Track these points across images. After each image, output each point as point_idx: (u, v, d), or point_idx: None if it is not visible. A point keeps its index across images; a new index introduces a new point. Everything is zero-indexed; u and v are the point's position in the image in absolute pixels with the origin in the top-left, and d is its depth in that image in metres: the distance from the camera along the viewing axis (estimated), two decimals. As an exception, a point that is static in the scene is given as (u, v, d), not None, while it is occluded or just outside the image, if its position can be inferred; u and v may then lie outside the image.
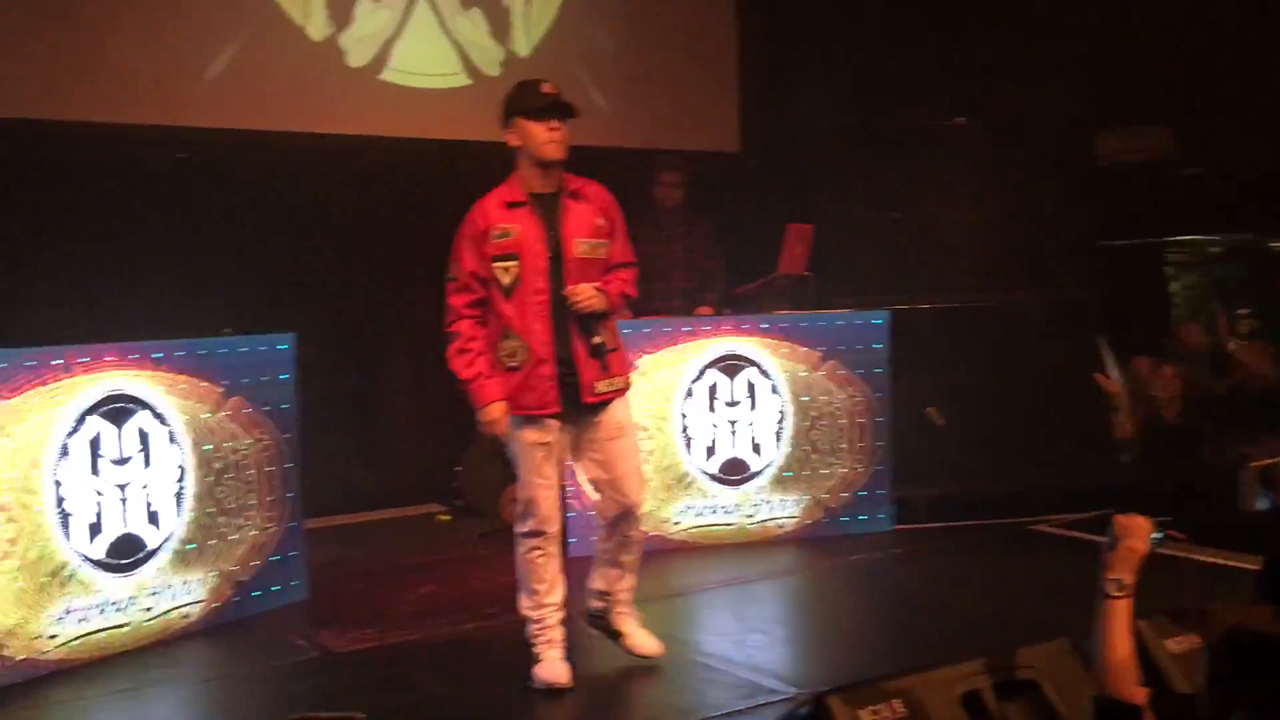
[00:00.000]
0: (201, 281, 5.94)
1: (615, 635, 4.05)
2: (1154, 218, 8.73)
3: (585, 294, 3.69)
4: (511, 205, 3.73)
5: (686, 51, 7.41)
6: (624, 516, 3.88)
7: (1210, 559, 4.90)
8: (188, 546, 4.44)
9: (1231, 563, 4.79)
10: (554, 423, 3.74)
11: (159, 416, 4.33)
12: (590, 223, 3.78)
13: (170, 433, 4.37)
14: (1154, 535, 2.55)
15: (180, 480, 4.41)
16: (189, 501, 4.44)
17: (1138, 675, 2.42)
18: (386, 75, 6.53)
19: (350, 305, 6.92)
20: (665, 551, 5.52)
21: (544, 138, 3.67)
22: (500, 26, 6.87)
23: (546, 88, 3.74)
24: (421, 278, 7.04)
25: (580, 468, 3.91)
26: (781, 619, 4.83)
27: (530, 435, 3.73)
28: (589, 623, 4.10)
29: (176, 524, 4.40)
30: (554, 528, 3.83)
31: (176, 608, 4.41)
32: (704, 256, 6.29)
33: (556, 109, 3.70)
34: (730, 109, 7.56)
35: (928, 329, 6.58)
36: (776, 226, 6.31)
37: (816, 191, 7.14)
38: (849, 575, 5.40)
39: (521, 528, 3.83)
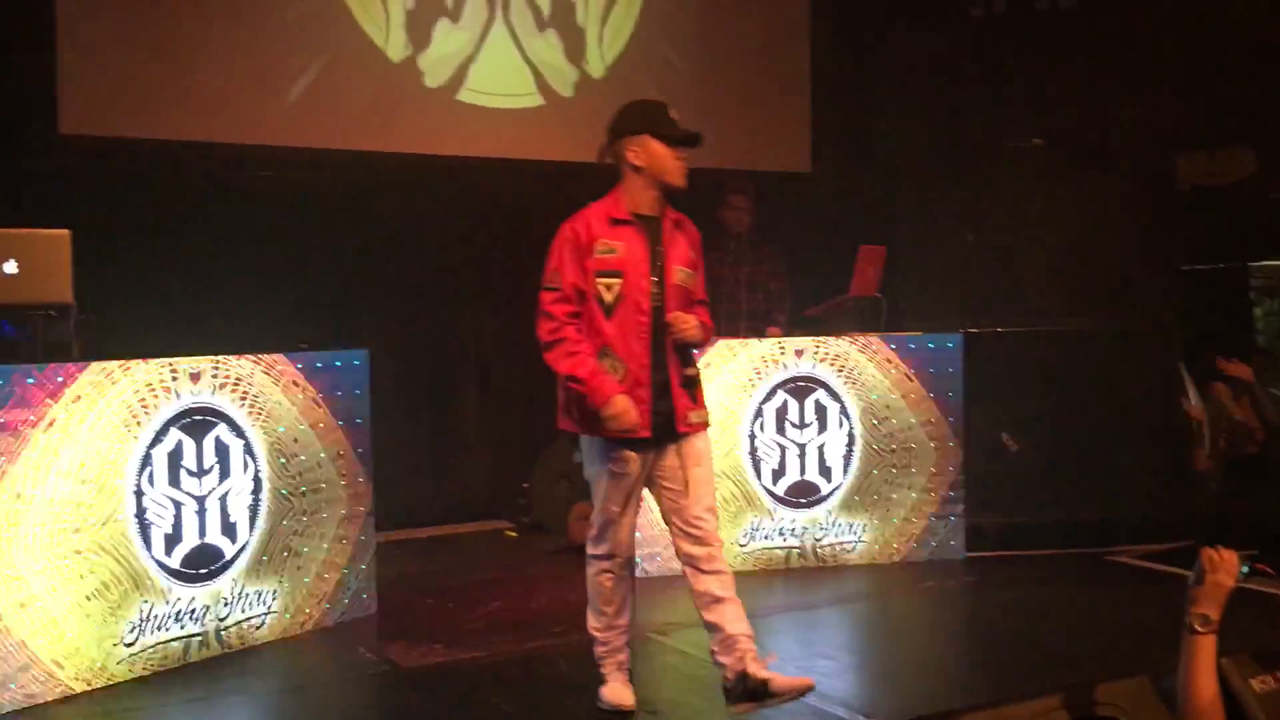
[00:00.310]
0: (279, 296, 6.06)
1: (762, 690, 3.53)
2: (1237, 241, 8.52)
3: (690, 323, 3.63)
4: (616, 222, 3.65)
5: (759, 72, 7.41)
6: (705, 557, 3.70)
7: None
8: (262, 558, 4.51)
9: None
10: (637, 449, 3.64)
11: (237, 429, 4.41)
12: (687, 253, 3.73)
13: (247, 445, 4.45)
14: (1241, 569, 2.49)
15: (256, 493, 4.49)
16: (264, 514, 4.51)
17: (1223, 715, 2.36)
18: (463, 95, 6.62)
19: (423, 321, 7.01)
20: (735, 573, 5.47)
21: (675, 164, 3.63)
22: (575, 48, 6.93)
23: (675, 115, 3.69)
24: (493, 295, 7.16)
25: (656, 498, 3.80)
26: (849, 646, 4.77)
27: (614, 464, 3.64)
28: (729, 700, 3.64)
29: (252, 536, 4.47)
30: (627, 554, 3.79)
31: (249, 618, 4.48)
32: (770, 278, 6.29)
33: (689, 141, 3.65)
34: (803, 130, 7.54)
35: (1003, 353, 6.48)
36: (848, 248, 6.26)
37: (889, 213, 7.09)
38: (919, 603, 5.32)
39: (594, 550, 3.79)
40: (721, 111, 7.29)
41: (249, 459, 4.46)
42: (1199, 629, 2.48)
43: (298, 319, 5.90)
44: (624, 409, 3.54)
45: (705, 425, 3.76)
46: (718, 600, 3.69)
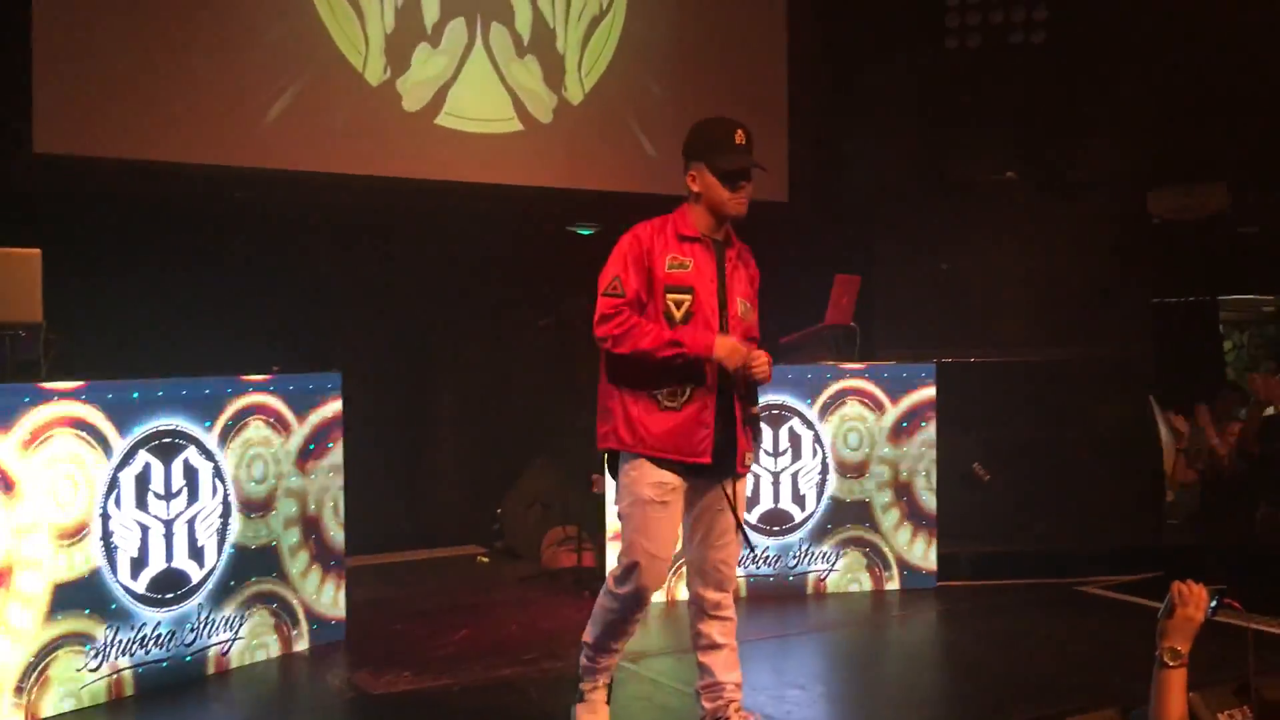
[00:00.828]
0: (253, 319, 6.02)
1: None
2: (1208, 275, 8.63)
3: (765, 362, 3.47)
4: (685, 238, 3.52)
5: (736, 100, 7.43)
6: (717, 603, 3.60)
7: (1263, 627, 4.79)
8: (230, 583, 4.46)
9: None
10: (680, 480, 3.46)
11: (206, 452, 4.37)
12: (746, 285, 3.62)
13: (217, 468, 4.41)
14: (1210, 604, 2.51)
15: (225, 516, 4.45)
16: (233, 538, 4.47)
17: None
18: (442, 120, 6.62)
19: (398, 345, 6.99)
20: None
21: (727, 196, 3.50)
22: (554, 74, 6.95)
23: (740, 138, 3.52)
24: (470, 319, 7.15)
25: (686, 534, 3.63)
26: (821, 675, 4.76)
27: (651, 490, 3.43)
28: None
29: (220, 560, 4.43)
30: (653, 598, 3.58)
31: (216, 644, 4.43)
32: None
33: (738, 176, 3.50)
34: (779, 158, 7.58)
35: (976, 383, 6.52)
36: (824, 277, 6.30)
37: (865, 243, 7.13)
38: (891, 632, 5.32)
39: (619, 588, 3.54)
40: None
41: (218, 482, 4.42)
42: (1169, 663, 2.49)
43: (272, 341, 5.87)
44: (733, 344, 3.40)
45: (749, 468, 3.62)
46: (716, 646, 3.61)
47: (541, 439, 6.99)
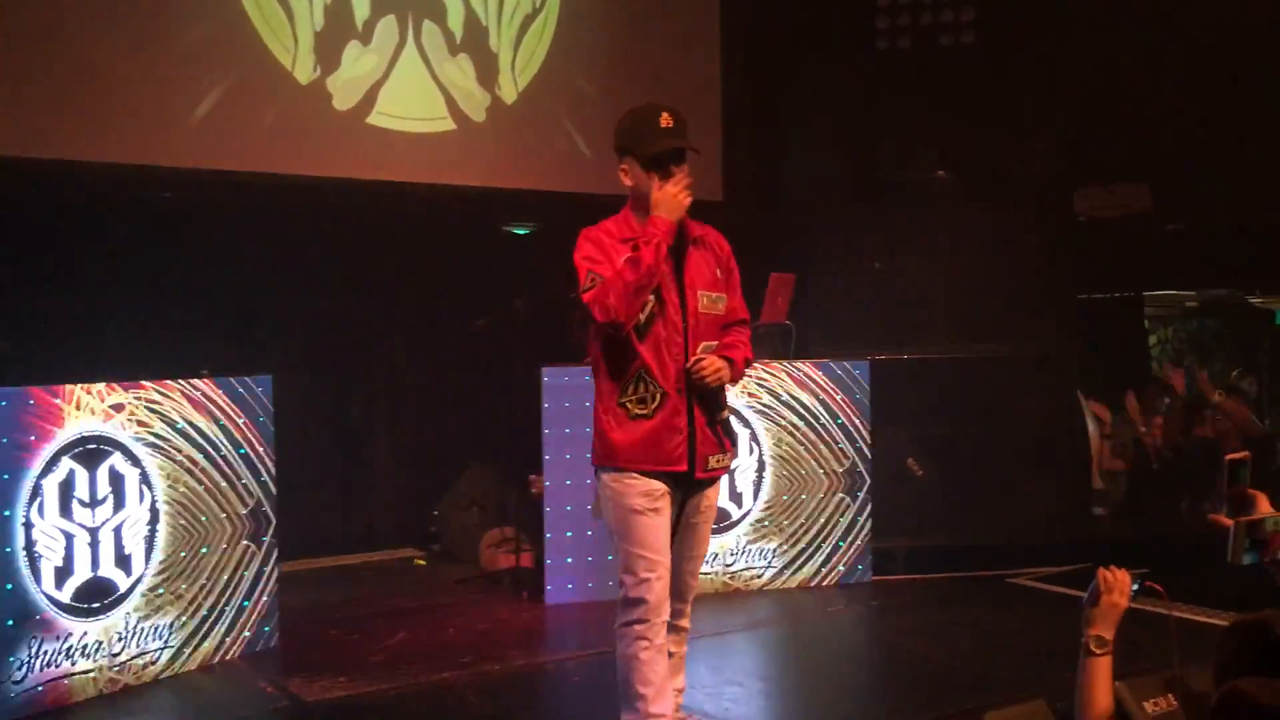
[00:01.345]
0: (182, 322, 5.92)
1: None
2: (1132, 272, 8.82)
3: (712, 368, 3.25)
4: (629, 241, 3.25)
5: (670, 100, 7.34)
6: (678, 611, 3.43)
7: (1187, 615, 4.90)
8: (158, 591, 4.38)
9: (1212, 620, 4.78)
10: (666, 486, 3.27)
11: (132, 458, 4.29)
12: (711, 274, 3.37)
13: (144, 474, 4.32)
14: (1132, 589, 2.55)
15: (153, 523, 4.36)
16: (161, 545, 4.39)
17: None
18: (373, 119, 6.55)
19: (331, 347, 6.91)
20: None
21: (656, 189, 3.22)
22: (487, 73, 6.91)
23: (666, 120, 3.25)
24: (404, 319, 7.09)
25: None
26: (758, 672, 4.78)
27: (640, 500, 3.24)
28: None
29: (147, 568, 4.34)
30: (665, 614, 3.28)
31: (145, 654, 4.34)
32: None
33: (664, 161, 3.23)
34: (714, 158, 7.60)
35: (908, 380, 6.60)
36: (759, 276, 6.33)
37: (799, 242, 7.19)
38: (827, 627, 5.37)
39: (626, 616, 3.25)
40: (633, 139, 7.32)
41: (145, 488, 4.34)
42: (1095, 650, 2.52)
43: (201, 344, 5.77)
44: (671, 194, 3.18)
45: (724, 470, 3.44)
46: (668, 655, 3.41)
47: (478, 440, 6.95)
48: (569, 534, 5.47)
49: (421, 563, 6.64)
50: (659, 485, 3.27)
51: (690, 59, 7.61)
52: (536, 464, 5.57)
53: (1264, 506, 1.76)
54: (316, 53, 6.38)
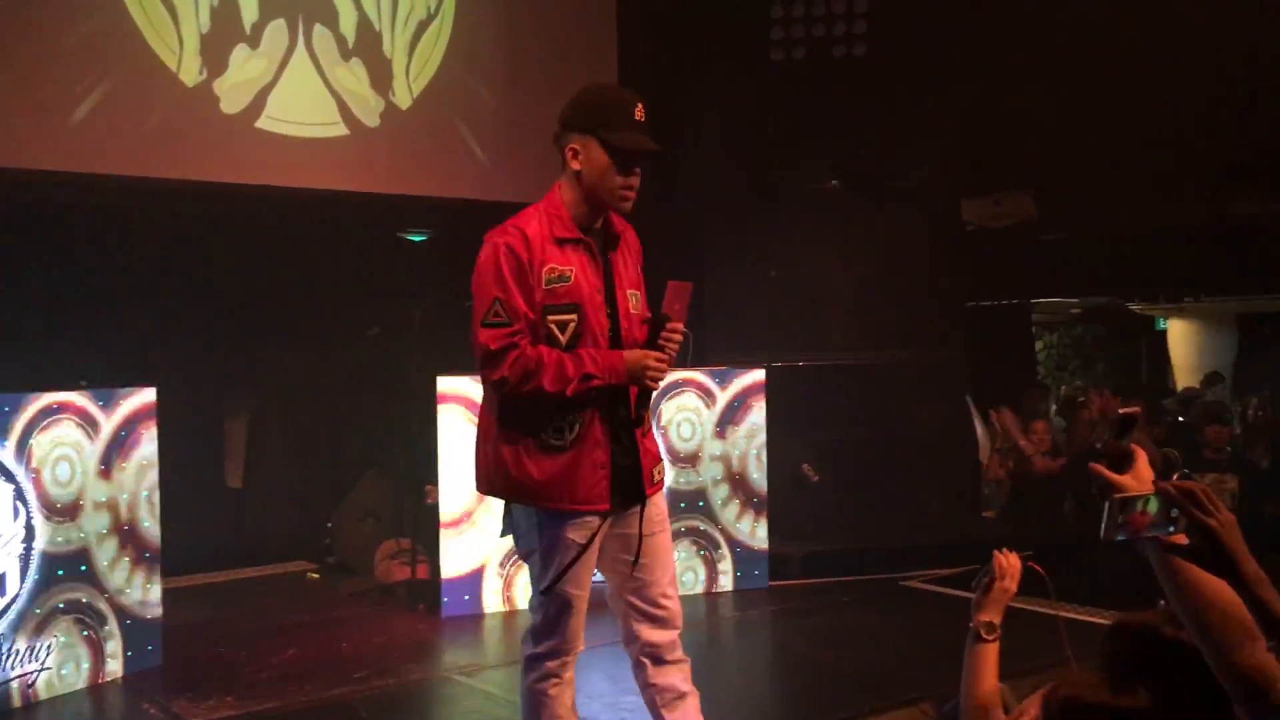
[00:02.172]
0: (60, 331, 5.71)
1: None
2: (1019, 280, 9.07)
3: (663, 367, 2.95)
4: (563, 241, 2.93)
5: (568, 108, 7.45)
6: (669, 644, 3.04)
7: (1073, 614, 5.05)
8: (35, 611, 4.21)
9: (1094, 619, 4.93)
10: (596, 520, 2.93)
11: (5, 473, 4.12)
12: (635, 271, 3.09)
13: (18, 490, 4.15)
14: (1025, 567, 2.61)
15: (28, 541, 4.19)
16: (37, 563, 4.22)
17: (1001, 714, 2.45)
18: (262, 123, 6.40)
19: (219, 356, 6.74)
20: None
21: (615, 182, 2.93)
22: (381, 78, 6.81)
23: (640, 113, 2.96)
24: (295, 327, 6.95)
25: (606, 574, 3.07)
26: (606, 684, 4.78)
27: (573, 532, 2.90)
28: None
29: (23, 587, 4.17)
30: (579, 647, 3.01)
31: (22, 676, 4.17)
32: None
33: (635, 155, 2.94)
34: (611, 166, 7.60)
35: (803, 386, 6.68)
36: (656, 283, 6.34)
37: (696, 249, 7.23)
38: (725, 633, 5.40)
39: (533, 648, 2.98)
40: (530, 146, 7.27)
41: (20, 505, 4.17)
42: (986, 637, 2.55)
43: (80, 354, 5.57)
44: (641, 355, 2.91)
45: (662, 482, 3.11)
46: (681, 696, 3.03)
47: (373, 449, 6.84)
48: (465, 544, 5.41)
49: (315, 576, 6.50)
50: (591, 518, 2.91)
51: (587, 67, 7.60)
52: (433, 474, 5.50)
53: (1142, 463, 1.80)
54: (203, 55, 6.22)
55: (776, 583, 6.00)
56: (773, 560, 6.01)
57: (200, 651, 4.92)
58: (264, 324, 6.85)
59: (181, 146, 6.16)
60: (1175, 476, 2.35)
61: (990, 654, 2.54)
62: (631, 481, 2.97)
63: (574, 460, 2.88)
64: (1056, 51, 7.28)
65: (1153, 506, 1.74)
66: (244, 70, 6.34)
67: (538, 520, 2.93)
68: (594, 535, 2.92)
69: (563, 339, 2.87)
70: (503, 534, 3.11)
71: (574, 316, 2.88)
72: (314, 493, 6.92)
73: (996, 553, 2.63)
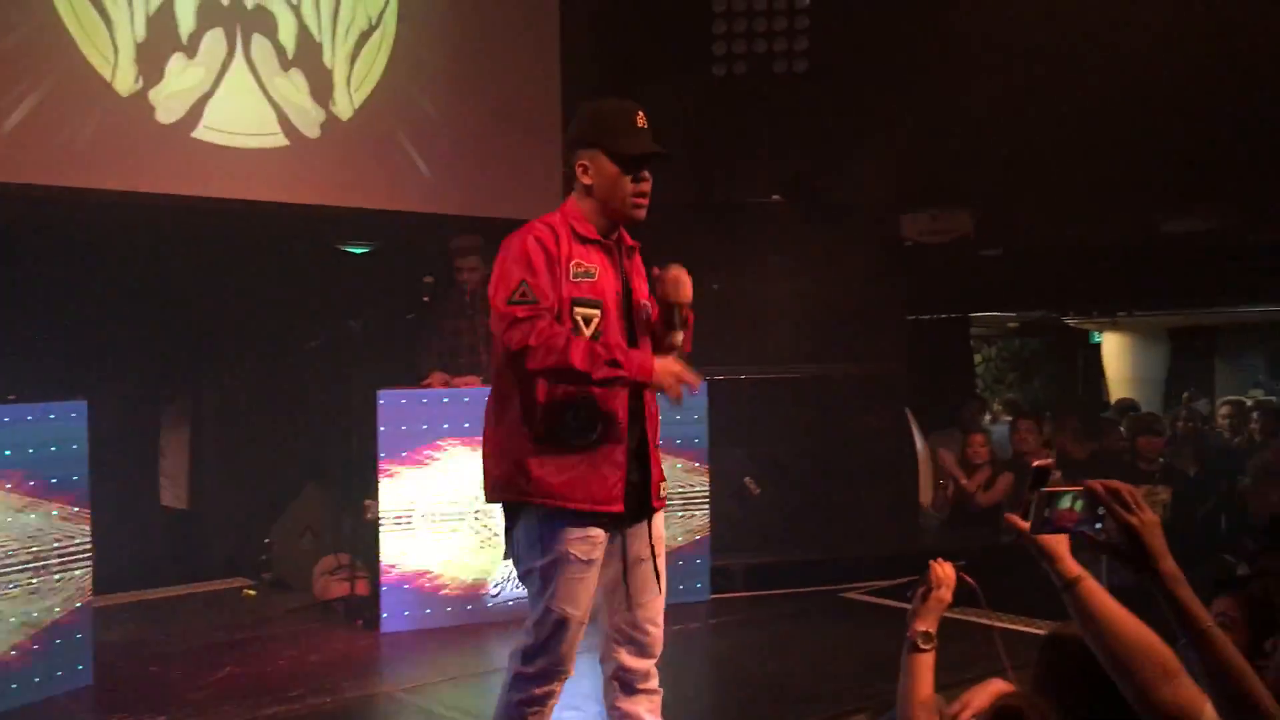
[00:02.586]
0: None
1: None
2: (958, 294, 9.19)
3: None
4: (587, 241, 2.98)
5: (511, 119, 7.43)
6: (645, 673, 3.05)
7: (1008, 625, 5.11)
8: (-41, 631, 4.11)
9: (1030, 629, 5.00)
10: (602, 532, 2.92)
11: (-70, 490, 4.01)
12: (645, 283, 3.12)
13: (-57, 507, 4.05)
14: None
15: (-48, 559, 4.09)
16: (-38, 581, 4.11)
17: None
18: (200, 133, 6.31)
19: (155, 369, 6.64)
20: (484, 625, 5.41)
21: (627, 191, 2.98)
22: (321, 88, 6.74)
23: (643, 120, 3.03)
24: (234, 342, 6.85)
25: (606, 594, 3.05)
26: (596, 694, 4.75)
27: (577, 548, 2.87)
28: None
29: (-54, 606, 4.07)
30: (569, 672, 2.99)
31: (-57, 698, 4.06)
32: None
33: (643, 162, 2.99)
34: (554, 178, 7.60)
35: (746, 399, 6.71)
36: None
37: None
38: (667, 646, 5.36)
39: (524, 667, 2.93)
40: (472, 158, 7.26)
41: (-55, 522, 4.06)
42: (923, 647, 2.57)
43: (8, 368, 5.45)
44: (677, 369, 2.90)
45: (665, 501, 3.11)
46: None
47: (312, 464, 6.76)
48: (405, 560, 5.36)
49: (251, 593, 6.40)
50: (598, 531, 2.90)
51: (531, 79, 7.60)
52: (372, 489, 5.45)
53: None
54: (138, 64, 6.12)
55: (718, 595, 6.01)
56: (714, 573, 6.03)
57: (133, 670, 4.83)
58: (201, 336, 6.75)
59: (116, 157, 6.06)
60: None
61: (926, 663, 2.57)
62: (640, 495, 2.97)
63: (595, 459, 2.87)
64: (995, 70, 7.40)
65: (1080, 505, 1.80)
66: (181, 79, 6.25)
67: (539, 534, 2.89)
68: (597, 550, 2.90)
69: (587, 332, 2.89)
70: (506, 556, 3.09)
71: (599, 311, 2.92)
72: (251, 508, 6.82)
73: (932, 563, 2.66)
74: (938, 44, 7.48)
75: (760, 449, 6.75)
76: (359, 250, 7.09)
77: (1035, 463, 1.93)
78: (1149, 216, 7.86)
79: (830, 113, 7.23)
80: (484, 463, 3.03)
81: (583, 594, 2.89)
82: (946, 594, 2.61)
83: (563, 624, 2.87)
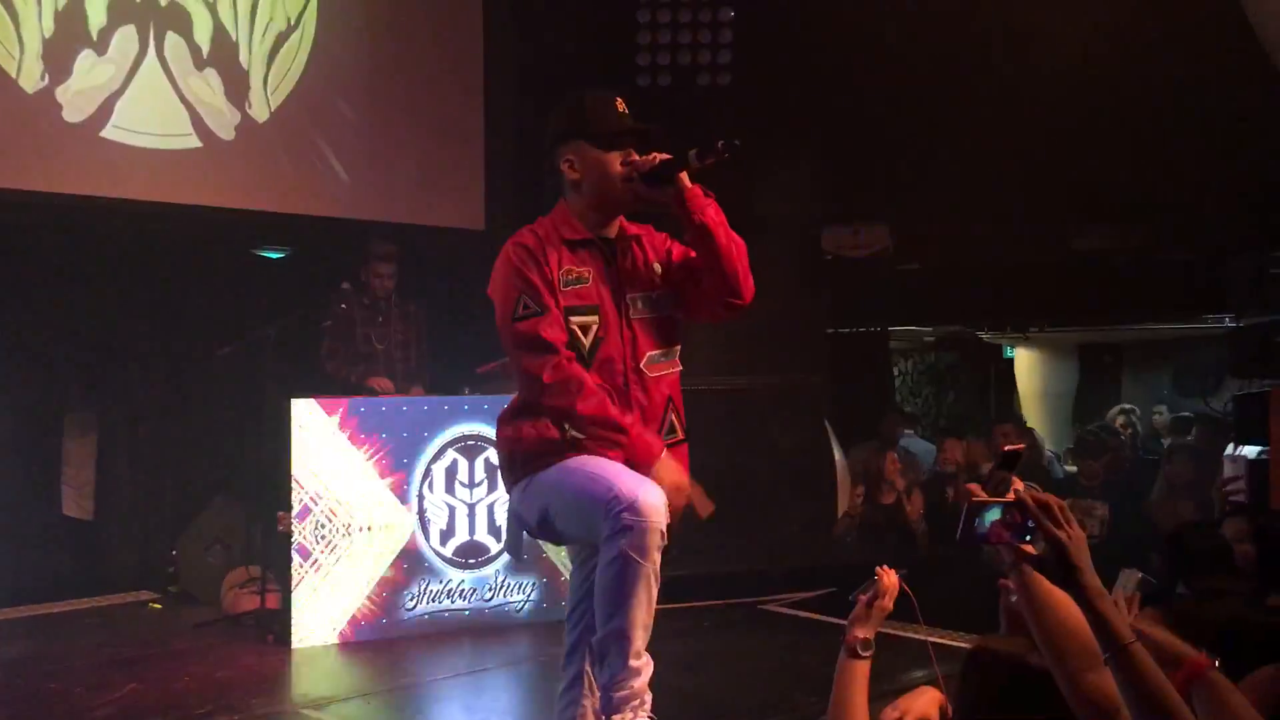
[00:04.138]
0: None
1: None
2: (877, 308, 9.30)
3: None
4: (574, 244, 2.91)
5: (433, 126, 7.36)
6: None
7: (935, 639, 5.15)
8: None
9: (955, 642, 5.05)
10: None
11: None
12: (650, 274, 3.00)
13: None
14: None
15: None
16: None
17: None
18: (109, 133, 6.14)
19: (59, 375, 6.42)
20: (398, 640, 5.31)
21: (620, 173, 2.89)
22: (237, 89, 6.60)
23: (622, 105, 2.97)
24: (143, 346, 6.65)
25: (581, 588, 3.06)
26: (516, 710, 4.71)
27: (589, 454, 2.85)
28: None
29: None
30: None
31: None
32: (419, 339, 6.33)
33: (637, 135, 2.91)
34: (476, 186, 7.54)
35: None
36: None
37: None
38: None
39: (639, 515, 2.74)
40: (393, 163, 7.17)
41: None
42: (861, 654, 2.55)
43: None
44: (679, 478, 2.90)
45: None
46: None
47: (222, 474, 6.59)
48: (317, 572, 5.24)
49: (156, 606, 6.21)
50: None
51: (454, 86, 7.53)
52: (285, 499, 5.32)
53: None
54: (45, 60, 5.94)
55: (638, 608, 5.96)
56: (635, 585, 5.98)
57: (29, 688, 4.64)
58: (110, 343, 6.55)
59: (20, 155, 5.88)
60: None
61: (863, 671, 2.55)
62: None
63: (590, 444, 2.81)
64: (914, 89, 7.52)
65: (1009, 516, 1.80)
66: (89, 77, 6.08)
67: (560, 465, 2.81)
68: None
69: (585, 341, 2.85)
70: (508, 550, 3.02)
71: (595, 318, 2.87)
72: (159, 519, 6.64)
73: (879, 570, 2.64)
74: (860, 61, 7.57)
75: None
76: (274, 255, 6.94)
77: (1006, 447, 1.94)
78: (1060, 233, 8.03)
79: (753, 126, 7.26)
80: (499, 460, 3.04)
81: (621, 470, 2.77)
82: (889, 602, 2.60)
83: (630, 481, 2.73)
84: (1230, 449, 6.45)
